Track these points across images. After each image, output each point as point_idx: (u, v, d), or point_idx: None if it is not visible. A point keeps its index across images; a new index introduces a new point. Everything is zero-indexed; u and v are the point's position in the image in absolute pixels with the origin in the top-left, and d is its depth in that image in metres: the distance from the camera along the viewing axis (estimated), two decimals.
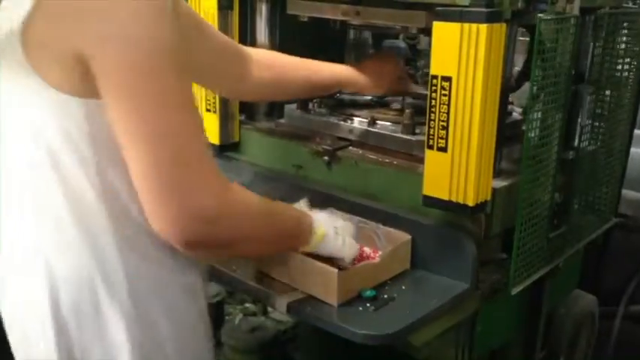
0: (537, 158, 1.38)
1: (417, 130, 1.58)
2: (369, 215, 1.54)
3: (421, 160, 1.52)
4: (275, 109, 1.89)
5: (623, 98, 1.68)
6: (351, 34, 2.04)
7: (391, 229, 1.49)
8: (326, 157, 1.64)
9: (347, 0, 1.56)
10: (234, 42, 1.57)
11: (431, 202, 1.37)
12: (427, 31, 1.51)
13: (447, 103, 1.29)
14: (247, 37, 1.79)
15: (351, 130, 1.68)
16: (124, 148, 0.89)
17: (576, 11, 1.36)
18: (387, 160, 1.57)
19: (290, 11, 1.69)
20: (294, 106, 1.85)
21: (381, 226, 1.51)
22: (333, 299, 1.32)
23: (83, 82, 0.90)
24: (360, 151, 1.62)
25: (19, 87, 0.95)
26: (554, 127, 1.41)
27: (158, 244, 1.02)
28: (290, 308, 1.32)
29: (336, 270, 1.32)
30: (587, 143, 1.55)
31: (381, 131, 1.62)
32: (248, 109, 1.87)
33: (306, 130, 1.75)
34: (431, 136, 1.34)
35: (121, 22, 0.84)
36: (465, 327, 1.49)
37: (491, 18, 1.22)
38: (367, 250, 1.53)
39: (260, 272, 1.43)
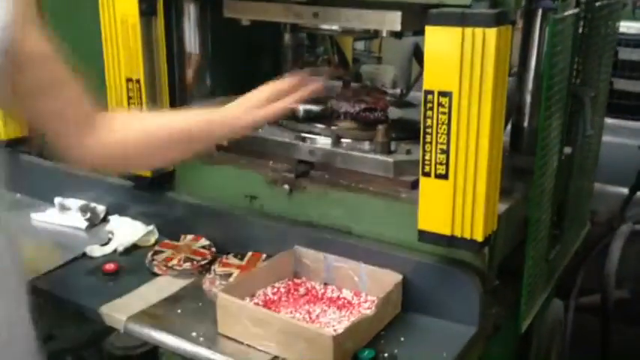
0: (545, 175, 1.20)
1: (393, 148, 1.36)
2: (345, 252, 1.31)
3: (403, 184, 1.32)
4: None
5: (601, 95, 1.54)
6: (286, 37, 1.78)
7: (376, 268, 1.28)
8: (286, 185, 1.39)
9: None
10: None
11: (428, 237, 1.17)
12: (400, 35, 1.29)
13: (446, 122, 1.08)
14: (174, 45, 1.50)
15: (311, 152, 1.42)
16: None
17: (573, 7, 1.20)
18: (361, 186, 1.34)
19: (228, 14, 1.42)
20: None
21: (362, 265, 1.29)
22: None
23: None
24: (327, 176, 1.39)
25: None
26: (558, 137, 1.23)
27: None
28: None
29: (330, 333, 1.09)
30: (579, 150, 1.40)
31: (350, 152, 1.38)
32: None
33: (257, 153, 1.49)
34: (427, 162, 1.12)
35: None
36: None
37: (499, 20, 1.02)
38: (347, 293, 1.31)
39: (224, 336, 1.18)
